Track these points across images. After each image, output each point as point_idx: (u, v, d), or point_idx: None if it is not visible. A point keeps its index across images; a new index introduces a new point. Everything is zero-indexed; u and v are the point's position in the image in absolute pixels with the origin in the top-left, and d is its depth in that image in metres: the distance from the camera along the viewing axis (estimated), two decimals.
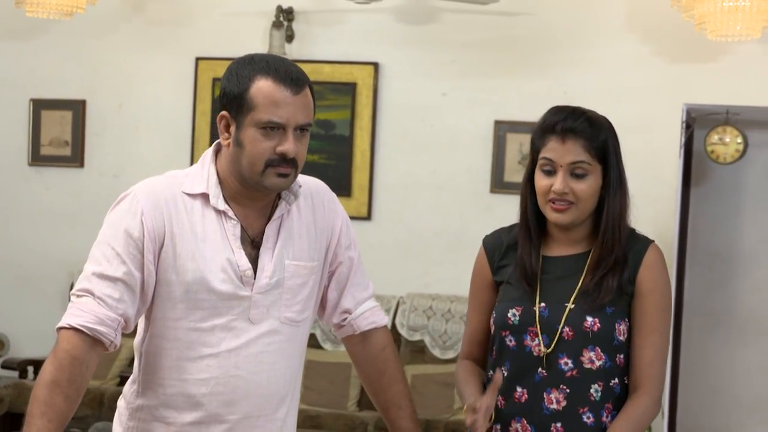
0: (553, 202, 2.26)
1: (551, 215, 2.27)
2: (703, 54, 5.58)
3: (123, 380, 5.63)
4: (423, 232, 5.90)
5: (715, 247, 6.36)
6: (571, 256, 2.31)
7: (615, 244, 2.26)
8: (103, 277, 2.06)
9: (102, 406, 5.42)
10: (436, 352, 5.66)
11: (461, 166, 5.91)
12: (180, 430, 2.14)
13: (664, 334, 2.28)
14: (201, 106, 6.18)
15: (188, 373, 2.12)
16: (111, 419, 5.46)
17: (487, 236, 2.43)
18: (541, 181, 2.28)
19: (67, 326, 2.03)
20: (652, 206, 5.55)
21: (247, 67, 2.09)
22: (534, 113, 5.91)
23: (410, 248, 5.89)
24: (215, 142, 2.21)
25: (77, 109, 6.32)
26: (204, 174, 2.15)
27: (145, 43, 6.27)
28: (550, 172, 2.27)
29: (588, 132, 2.24)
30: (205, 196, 2.13)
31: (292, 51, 6.04)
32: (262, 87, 2.06)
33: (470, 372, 2.40)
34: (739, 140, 5.83)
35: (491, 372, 2.34)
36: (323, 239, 2.26)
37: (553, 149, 2.25)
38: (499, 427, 2.30)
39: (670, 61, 5.66)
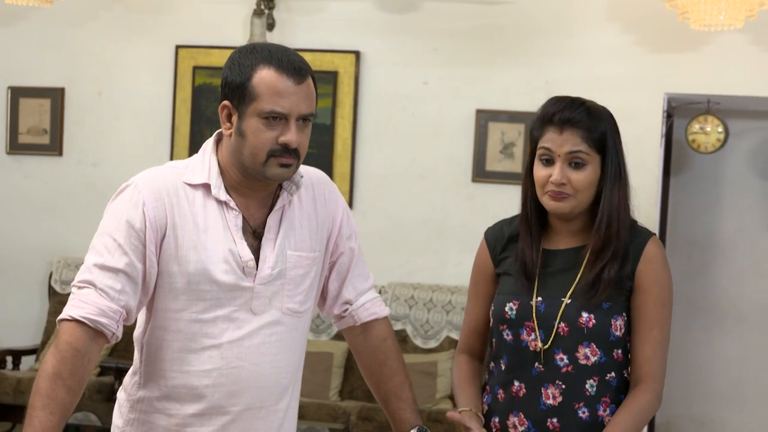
0: (551, 192, 2.24)
1: (549, 205, 2.26)
2: (684, 43, 5.59)
3: (103, 370, 5.61)
4: (404, 221, 5.90)
5: (695, 235, 6.39)
6: (570, 249, 2.30)
7: (612, 235, 2.24)
8: (104, 268, 2.05)
9: (82, 396, 5.38)
10: (418, 342, 5.66)
11: (443, 155, 5.90)
12: (182, 421, 2.13)
13: (665, 328, 2.26)
14: (181, 94, 6.15)
15: (190, 365, 2.11)
16: (90, 409, 5.45)
17: (488, 228, 2.42)
18: (539, 171, 2.27)
19: (68, 318, 2.02)
20: (633, 195, 5.53)
21: (249, 56, 2.08)
22: (515, 102, 6.02)
23: (392, 237, 5.89)
24: (216, 132, 2.19)
25: (56, 96, 6.27)
26: (205, 164, 2.14)
27: (125, 30, 6.22)
28: (549, 162, 2.25)
29: (586, 122, 2.23)
30: (206, 187, 2.12)
31: (273, 39, 6.00)
32: (265, 76, 2.05)
33: (467, 376, 2.40)
34: (720, 129, 5.84)
35: (492, 364, 2.35)
36: (324, 230, 2.25)
37: (552, 139, 2.24)
38: (497, 419, 2.31)
39: (651, 50, 5.66)
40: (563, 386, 2.24)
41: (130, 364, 6.02)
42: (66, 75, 6.28)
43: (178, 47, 6.14)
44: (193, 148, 6.08)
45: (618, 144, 2.28)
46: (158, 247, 2.07)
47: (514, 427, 2.28)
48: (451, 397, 5.48)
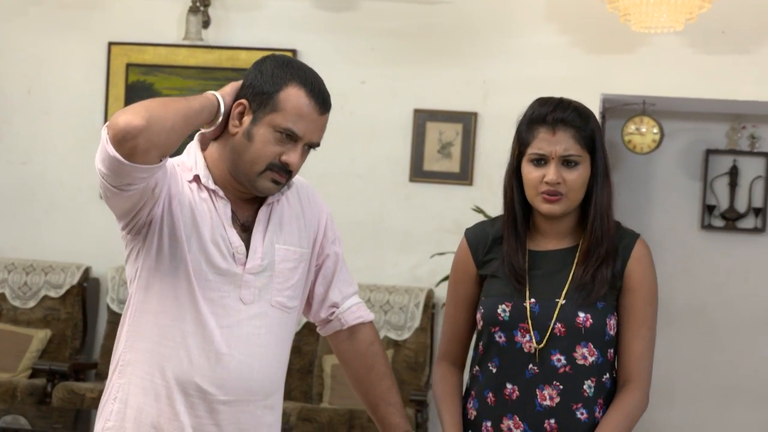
0: (546, 194, 2.24)
1: (543, 207, 2.25)
2: (621, 45, 5.63)
3: (34, 372, 5.49)
4: (342, 221, 5.79)
5: None
6: (559, 250, 2.29)
7: (604, 235, 2.25)
8: None
9: (14, 399, 5.28)
10: None
11: (380, 154, 5.87)
12: (167, 392, 2.12)
13: (652, 328, 2.28)
14: (114, 91, 6.03)
15: (176, 342, 2.12)
16: (21, 412, 5.29)
17: (468, 229, 2.40)
18: (531, 173, 2.25)
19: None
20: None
21: (286, 68, 2.12)
22: (453, 102, 6.00)
23: None
24: (198, 133, 2.21)
25: None
26: (192, 159, 2.18)
27: (56, 26, 6.09)
28: (540, 163, 2.24)
29: (578, 122, 2.24)
30: (197, 179, 2.15)
31: (209, 37, 5.93)
32: (294, 95, 2.09)
33: (450, 390, 2.38)
34: (656, 130, 5.90)
35: (476, 368, 2.33)
36: (311, 230, 2.29)
37: (544, 140, 2.23)
38: (490, 424, 2.29)
39: (588, 51, 5.69)
40: (561, 387, 2.23)
41: (64, 366, 5.85)
42: None
43: (111, 44, 6.03)
44: None
45: (603, 143, 2.30)
46: (169, 197, 2.09)
47: (509, 430, 2.26)
48: None
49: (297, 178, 2.26)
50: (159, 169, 1.99)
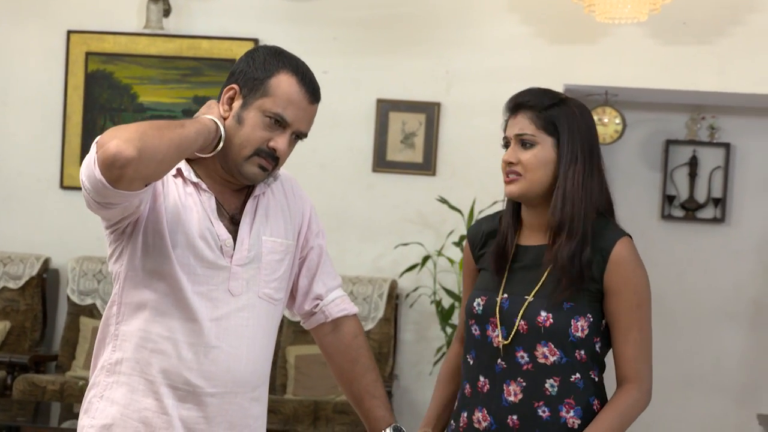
0: (505, 175, 2.29)
1: (505, 189, 2.31)
2: (583, 35, 5.65)
3: None
4: None
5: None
6: (538, 246, 2.30)
7: (566, 216, 2.23)
8: None
9: None
10: None
11: (343, 144, 5.85)
12: (157, 388, 2.12)
13: (644, 329, 2.25)
14: (73, 80, 5.96)
15: (165, 336, 2.11)
16: None
17: (470, 226, 2.48)
18: (503, 157, 2.33)
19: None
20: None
21: (277, 57, 2.14)
22: (416, 92, 5.98)
23: None
24: None
25: None
26: None
27: (13, 14, 6.00)
28: (507, 148, 2.31)
29: (535, 105, 2.27)
30: (180, 173, 2.15)
31: (169, 26, 5.87)
32: (285, 81, 2.12)
33: (442, 384, 2.45)
34: (618, 121, 5.93)
35: (467, 356, 2.37)
36: (296, 223, 2.30)
37: (508, 124, 2.32)
38: (465, 414, 2.32)
39: (551, 41, 5.70)
40: (524, 384, 2.25)
41: (24, 359, 5.79)
42: None
43: (69, 32, 5.95)
44: (86, 136, 5.91)
45: (576, 129, 2.27)
46: (154, 195, 2.09)
47: (479, 422, 2.29)
48: None
49: (282, 171, 2.27)
50: (144, 193, 2.00)
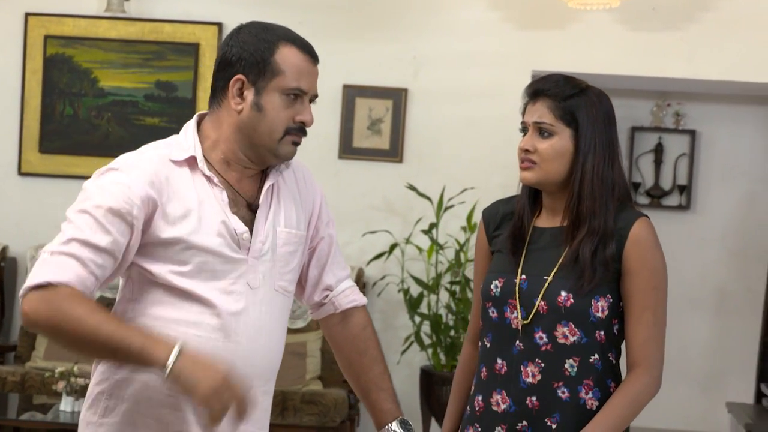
0: (521, 161, 2.29)
1: (520, 175, 2.30)
2: (551, 21, 5.61)
3: None
4: None
5: None
6: (557, 228, 2.31)
7: (585, 212, 2.24)
8: (85, 243, 1.98)
9: None
10: None
11: (309, 130, 5.74)
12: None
13: (658, 312, 2.26)
14: (31, 64, 5.83)
15: (183, 331, 2.06)
16: None
17: (485, 208, 2.44)
18: (520, 143, 2.33)
19: (44, 284, 1.93)
20: (500, 172, 5.56)
21: (268, 32, 2.11)
22: (383, 78, 5.91)
23: None
24: (197, 114, 2.18)
25: None
26: (189, 141, 2.12)
27: None
28: (524, 134, 2.30)
29: (556, 94, 2.26)
30: (192, 161, 2.10)
31: (131, 9, 5.76)
32: (288, 54, 2.08)
33: (458, 385, 2.45)
34: None
35: (480, 342, 2.37)
36: (307, 211, 2.26)
37: (527, 111, 2.31)
38: (480, 398, 2.32)
39: (519, 27, 5.65)
40: (542, 365, 2.25)
41: None
42: None
43: (27, 15, 5.82)
44: (45, 121, 5.79)
45: (597, 119, 2.27)
46: (149, 224, 2.04)
47: (497, 404, 2.29)
48: (321, 378, 5.40)
49: (294, 158, 2.23)
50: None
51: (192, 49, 5.73)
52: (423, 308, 5.47)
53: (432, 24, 5.69)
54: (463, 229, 5.50)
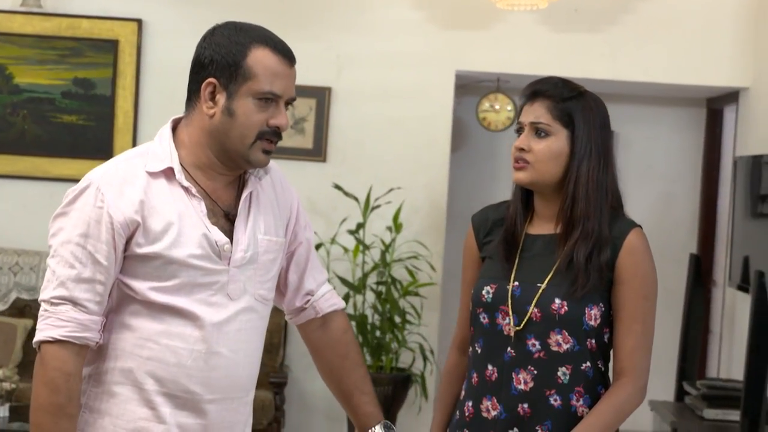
0: (514, 161, 2.29)
1: (513, 175, 2.30)
2: (476, 21, 5.61)
3: None
4: None
5: (471, 210, 6.46)
6: (550, 234, 2.30)
7: (579, 216, 2.23)
8: (80, 280, 1.99)
9: None
10: None
11: None
12: (150, 398, 2.05)
13: (648, 321, 2.25)
14: None
15: (164, 344, 2.06)
16: None
17: (474, 214, 2.44)
18: (514, 142, 2.32)
19: (50, 339, 1.97)
20: (425, 172, 5.55)
21: (241, 34, 2.06)
22: (306, 77, 5.84)
23: None
24: (171, 119, 2.14)
25: None
26: (165, 150, 2.08)
27: None
28: (520, 133, 2.30)
29: (554, 95, 2.26)
30: (169, 172, 2.06)
31: (47, 4, 5.62)
32: (261, 57, 2.04)
33: (445, 392, 2.44)
34: (510, 108, 5.92)
35: (470, 349, 2.36)
36: (285, 217, 2.22)
37: (524, 111, 2.31)
38: (470, 404, 2.31)
39: (443, 27, 5.65)
40: (535, 372, 2.24)
41: None
42: None
43: None
44: None
45: (593, 123, 2.28)
46: (129, 242, 2.02)
47: (488, 411, 2.29)
48: None
49: (270, 163, 2.18)
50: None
51: (111, 46, 5.61)
52: (349, 309, 5.44)
53: (356, 23, 5.66)
54: (389, 229, 5.48)
